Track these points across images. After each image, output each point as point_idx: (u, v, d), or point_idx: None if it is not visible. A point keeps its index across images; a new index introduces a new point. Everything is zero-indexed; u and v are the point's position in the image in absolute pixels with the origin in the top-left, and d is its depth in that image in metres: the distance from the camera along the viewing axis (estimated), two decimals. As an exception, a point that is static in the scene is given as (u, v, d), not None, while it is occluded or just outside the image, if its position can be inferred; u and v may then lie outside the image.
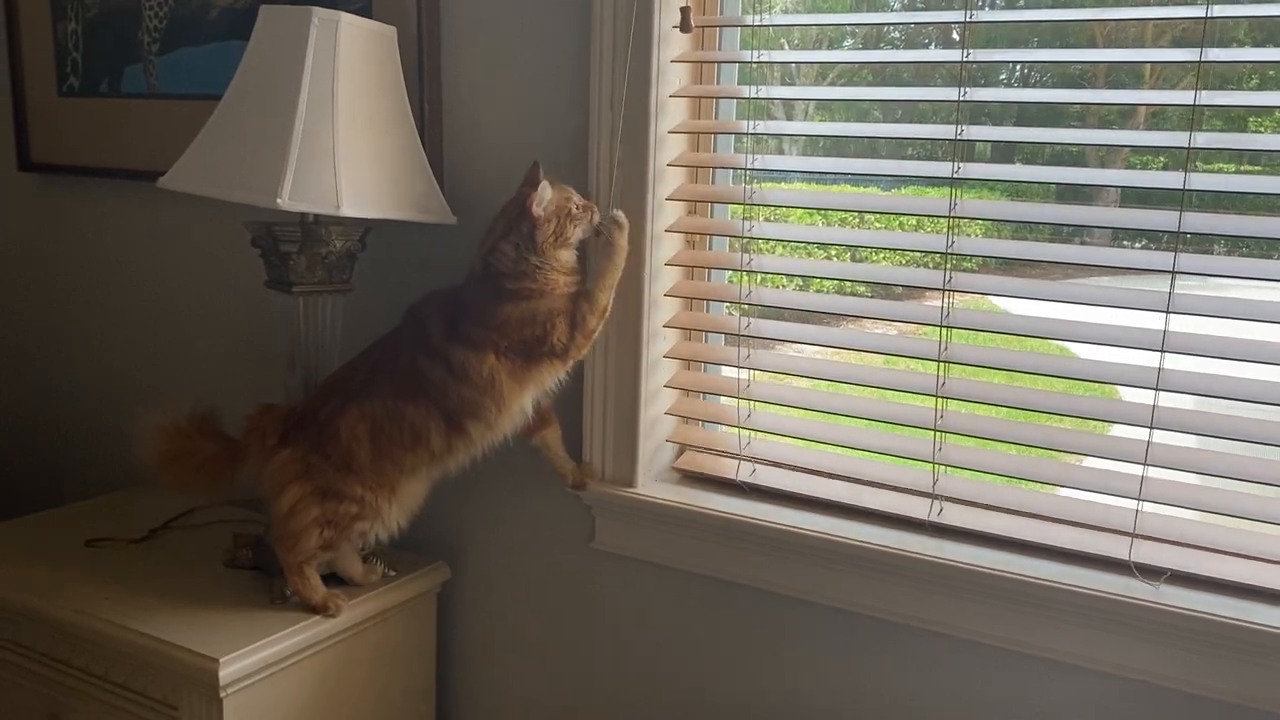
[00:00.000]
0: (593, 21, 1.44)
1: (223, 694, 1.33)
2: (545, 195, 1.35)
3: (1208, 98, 1.17)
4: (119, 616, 1.42)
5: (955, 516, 1.38)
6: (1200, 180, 1.18)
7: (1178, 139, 1.19)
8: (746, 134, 1.43)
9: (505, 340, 1.37)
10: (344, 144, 1.37)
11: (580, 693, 1.64)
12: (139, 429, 1.46)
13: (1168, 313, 1.22)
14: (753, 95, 1.42)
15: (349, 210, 1.37)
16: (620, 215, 1.41)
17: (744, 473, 1.51)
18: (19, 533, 1.71)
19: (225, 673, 1.32)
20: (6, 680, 1.54)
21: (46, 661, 1.50)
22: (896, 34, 1.46)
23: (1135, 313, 1.24)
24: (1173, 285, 1.21)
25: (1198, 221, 1.20)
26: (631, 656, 1.59)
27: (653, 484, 1.54)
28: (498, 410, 1.39)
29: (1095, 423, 1.30)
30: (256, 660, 1.36)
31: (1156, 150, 1.25)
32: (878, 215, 1.54)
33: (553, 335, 1.38)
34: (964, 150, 1.30)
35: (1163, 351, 1.23)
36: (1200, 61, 1.17)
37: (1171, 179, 1.20)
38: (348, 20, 1.39)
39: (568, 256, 1.40)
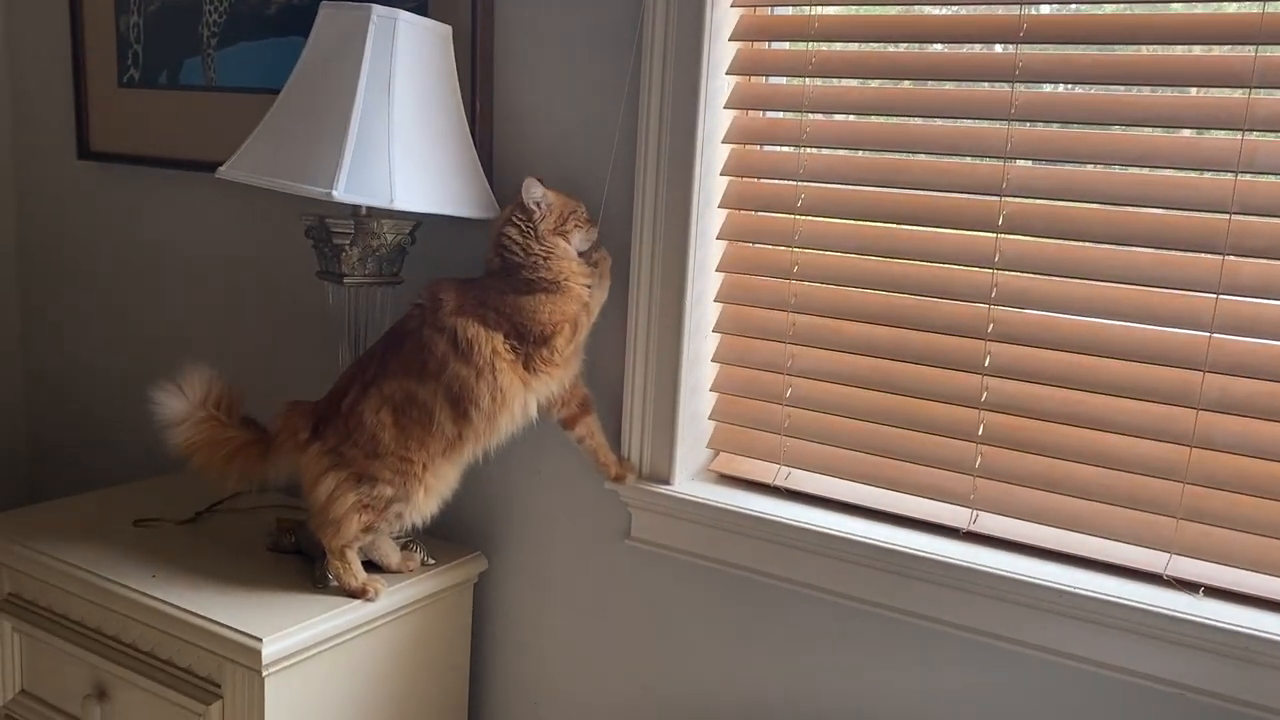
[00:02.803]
0: (644, 25, 1.46)
1: (265, 673, 1.36)
2: (533, 189, 1.42)
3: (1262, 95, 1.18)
4: (166, 594, 1.46)
5: (992, 525, 1.38)
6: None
7: (1228, 150, 1.20)
8: (799, 147, 1.45)
9: (514, 328, 1.41)
10: (399, 139, 1.40)
11: (613, 684, 1.66)
12: (164, 412, 1.48)
13: (1211, 333, 1.23)
14: (804, 116, 1.44)
15: (402, 204, 1.40)
16: (605, 252, 1.50)
17: (780, 476, 1.52)
18: (70, 511, 1.75)
19: (268, 652, 1.35)
20: (55, 654, 1.58)
21: (95, 636, 1.54)
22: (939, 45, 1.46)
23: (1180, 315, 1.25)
24: (1217, 301, 1.22)
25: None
26: (664, 650, 1.60)
27: (689, 482, 1.56)
28: (493, 401, 1.41)
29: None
30: (297, 641, 1.39)
31: (1202, 169, 1.25)
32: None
33: (555, 339, 1.42)
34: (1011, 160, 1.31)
35: (1205, 371, 1.23)
36: (1250, 95, 1.18)
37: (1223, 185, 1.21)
38: (405, 18, 1.42)
39: (567, 248, 1.44)
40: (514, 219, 1.43)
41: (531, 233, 1.42)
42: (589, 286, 1.46)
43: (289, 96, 1.46)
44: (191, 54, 1.95)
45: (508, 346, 1.42)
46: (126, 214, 2.15)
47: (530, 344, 1.42)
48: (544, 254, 1.42)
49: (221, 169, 1.45)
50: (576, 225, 1.45)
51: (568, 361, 1.46)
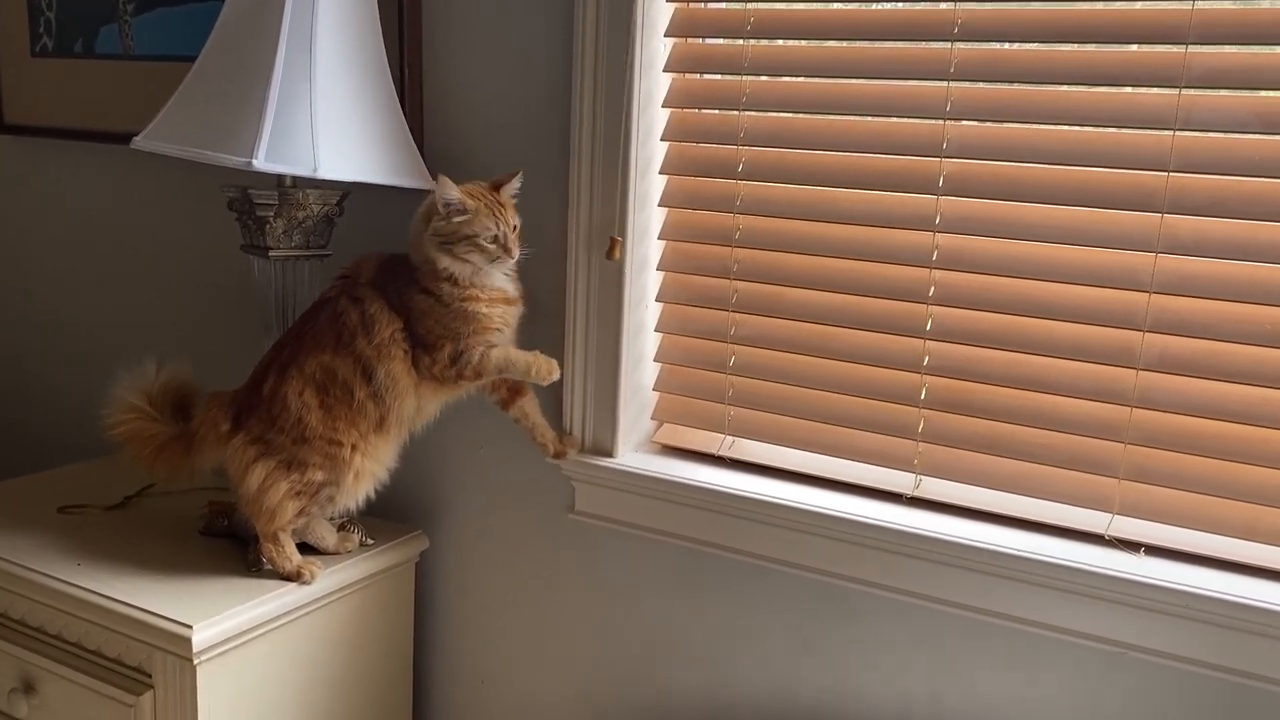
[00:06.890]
0: (577, -15, 1.42)
1: (196, 661, 1.32)
2: (447, 190, 1.33)
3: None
4: (92, 583, 1.41)
5: (936, 489, 1.38)
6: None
7: (1166, 105, 1.19)
8: (739, 110, 1.42)
9: (407, 322, 1.37)
10: (322, 106, 1.35)
11: (560, 660, 1.64)
12: (112, 399, 1.44)
13: (1150, 292, 1.22)
14: (744, 78, 1.41)
15: (326, 173, 1.34)
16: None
17: (725, 446, 1.51)
18: (-10, 499, 1.69)
19: (198, 639, 1.31)
20: (-23, 647, 1.52)
21: (19, 628, 1.48)
22: None
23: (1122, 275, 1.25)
24: (1156, 259, 1.21)
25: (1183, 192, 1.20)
26: (611, 624, 1.59)
27: (633, 454, 1.53)
28: (391, 390, 1.37)
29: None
30: (230, 627, 1.35)
31: (1143, 123, 1.24)
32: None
33: (438, 353, 1.37)
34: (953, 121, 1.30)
35: (1145, 331, 1.23)
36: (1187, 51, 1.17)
37: (1160, 142, 1.20)
38: (326, -21, 1.36)
39: (460, 266, 1.35)
40: (419, 214, 1.37)
41: (422, 233, 1.36)
42: (500, 324, 1.38)
43: (205, 62, 1.40)
44: (107, 21, 1.87)
45: (403, 336, 1.38)
46: (44, 189, 2.07)
47: (418, 345, 1.38)
48: (427, 261, 1.35)
49: (136, 140, 1.39)
50: (473, 249, 1.34)
51: (452, 384, 1.39)
